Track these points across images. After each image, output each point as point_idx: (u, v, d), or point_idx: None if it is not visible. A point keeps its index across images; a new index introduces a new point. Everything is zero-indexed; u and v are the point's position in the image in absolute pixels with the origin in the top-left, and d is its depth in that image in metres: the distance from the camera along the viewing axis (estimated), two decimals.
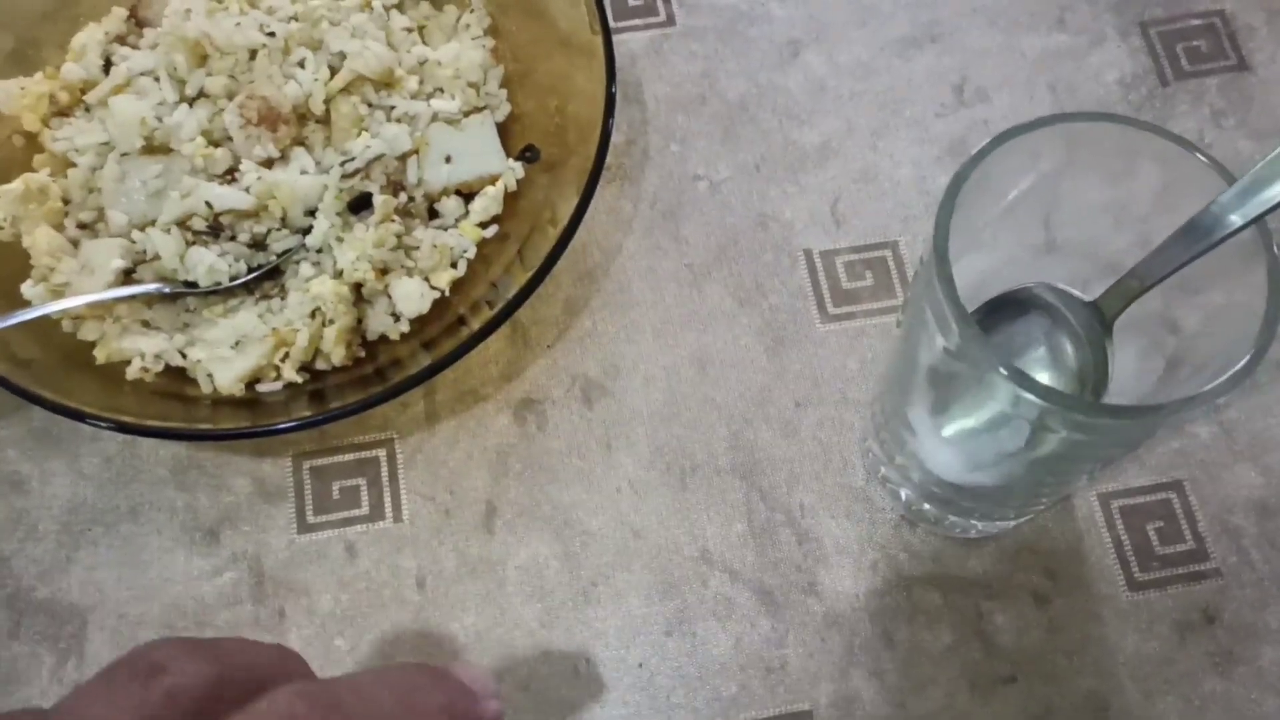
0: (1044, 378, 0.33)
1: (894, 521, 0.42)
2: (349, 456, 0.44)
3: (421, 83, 0.47)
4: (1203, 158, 0.29)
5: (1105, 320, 0.32)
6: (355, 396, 0.41)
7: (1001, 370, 0.27)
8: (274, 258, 0.45)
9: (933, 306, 0.29)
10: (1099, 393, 0.33)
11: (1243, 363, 0.27)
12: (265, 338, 0.43)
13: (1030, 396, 0.27)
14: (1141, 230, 0.31)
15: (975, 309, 0.34)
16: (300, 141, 0.46)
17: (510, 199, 0.46)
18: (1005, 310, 0.35)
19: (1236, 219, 0.28)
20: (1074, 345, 0.34)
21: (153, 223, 0.44)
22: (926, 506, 0.40)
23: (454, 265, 0.45)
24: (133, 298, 0.44)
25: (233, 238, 0.44)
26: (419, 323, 0.44)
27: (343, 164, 0.44)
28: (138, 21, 0.48)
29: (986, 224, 0.33)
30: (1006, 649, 0.40)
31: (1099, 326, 0.33)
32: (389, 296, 0.44)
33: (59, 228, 0.44)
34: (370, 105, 0.46)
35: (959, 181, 0.29)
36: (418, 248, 0.44)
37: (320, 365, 0.44)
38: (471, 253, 0.46)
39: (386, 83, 0.46)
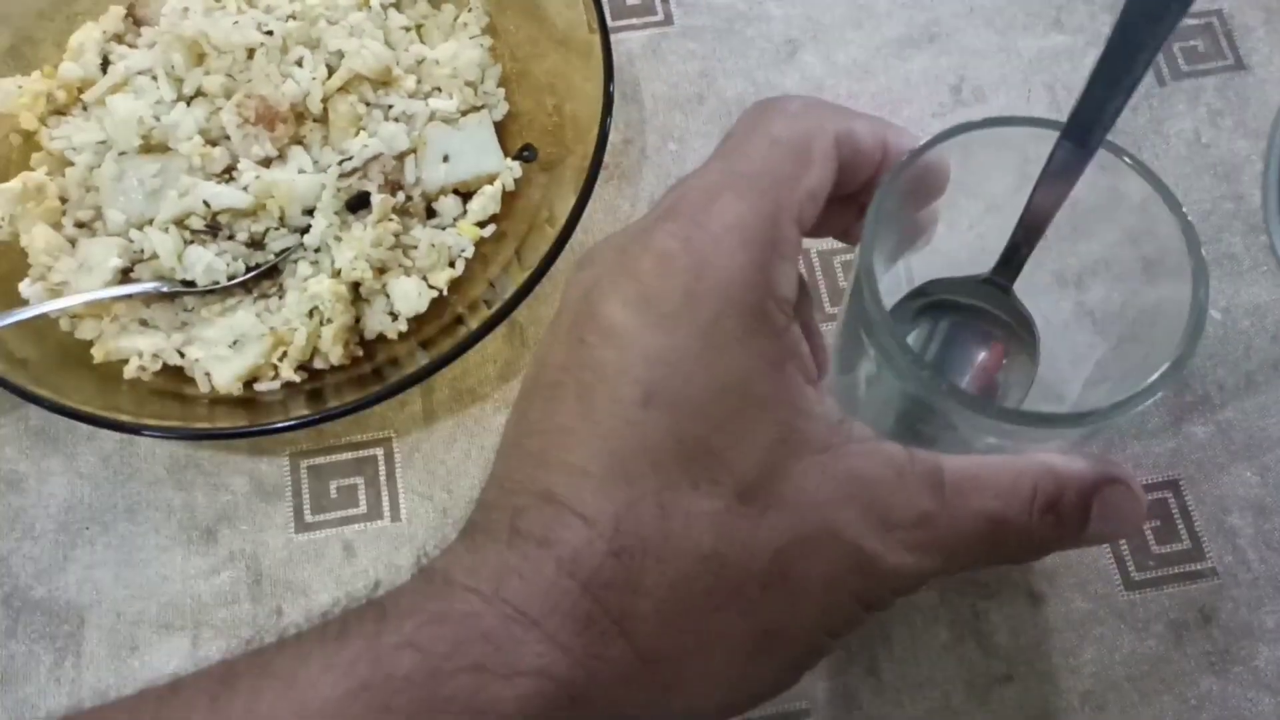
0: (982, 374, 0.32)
1: None
2: (346, 456, 0.44)
3: (419, 82, 0.47)
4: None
5: (1008, 292, 0.32)
6: (353, 396, 0.41)
7: (939, 389, 0.26)
8: (272, 257, 0.45)
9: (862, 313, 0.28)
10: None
11: (1164, 369, 0.26)
12: (263, 337, 0.43)
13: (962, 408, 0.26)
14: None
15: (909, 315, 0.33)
16: (298, 140, 0.46)
17: (508, 198, 0.46)
18: (932, 316, 0.34)
19: (1080, 151, 0.27)
20: (998, 334, 0.33)
21: (150, 222, 0.44)
22: None
23: (452, 264, 0.45)
24: (130, 296, 0.44)
25: (230, 237, 0.44)
26: (417, 322, 0.44)
27: (340, 163, 0.44)
28: (135, 20, 0.48)
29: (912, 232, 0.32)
30: (1003, 648, 0.40)
31: (1007, 300, 0.32)
32: (387, 296, 0.44)
33: (57, 226, 0.44)
34: (368, 104, 0.46)
35: (880, 202, 0.28)
36: (415, 247, 0.44)
37: (318, 364, 0.44)
38: (469, 252, 0.46)
39: (384, 81, 0.46)
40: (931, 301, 0.33)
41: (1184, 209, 0.27)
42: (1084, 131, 0.27)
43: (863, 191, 0.29)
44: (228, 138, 0.45)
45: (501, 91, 0.49)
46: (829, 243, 0.47)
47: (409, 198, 0.45)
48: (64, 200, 0.45)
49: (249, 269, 0.45)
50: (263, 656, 0.24)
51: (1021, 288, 0.31)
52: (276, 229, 0.45)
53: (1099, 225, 0.29)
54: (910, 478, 0.25)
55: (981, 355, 0.32)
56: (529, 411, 0.27)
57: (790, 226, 0.26)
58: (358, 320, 0.44)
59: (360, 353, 0.44)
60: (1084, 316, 0.30)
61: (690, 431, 0.24)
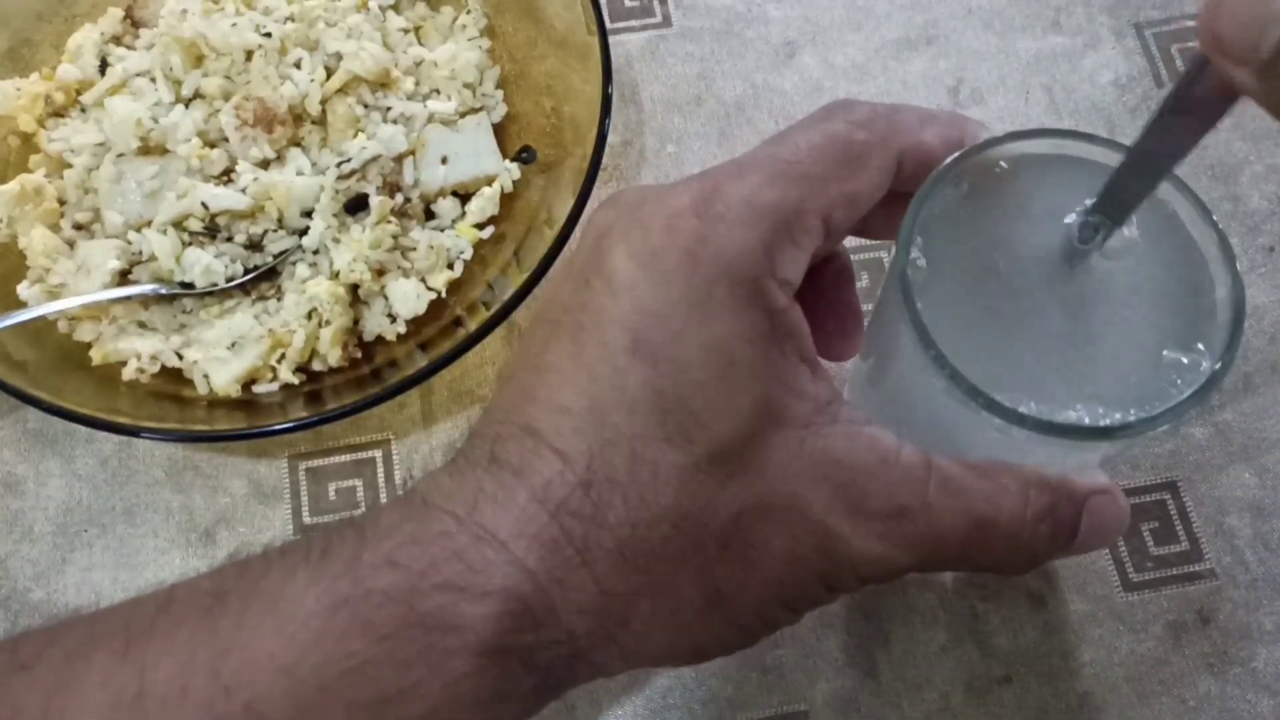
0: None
1: None
2: (345, 458, 0.44)
3: (418, 83, 0.47)
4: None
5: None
6: (351, 398, 0.41)
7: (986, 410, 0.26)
8: (270, 259, 0.45)
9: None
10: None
11: (1203, 380, 0.26)
12: (261, 339, 0.43)
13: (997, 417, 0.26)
14: None
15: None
16: (296, 142, 0.46)
17: (506, 200, 0.46)
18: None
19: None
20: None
21: (149, 223, 0.44)
22: None
23: (450, 266, 0.45)
24: (129, 299, 0.44)
25: (229, 239, 0.44)
26: (415, 324, 0.44)
27: (339, 165, 0.44)
28: (134, 22, 0.48)
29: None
30: (1002, 650, 0.40)
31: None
32: (385, 297, 0.44)
33: (55, 228, 0.44)
34: (366, 106, 0.46)
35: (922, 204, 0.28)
36: (414, 249, 0.44)
37: (316, 366, 0.44)
38: (468, 254, 0.46)
39: (383, 83, 0.46)
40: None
41: (1217, 221, 0.28)
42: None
43: None
44: (226, 139, 0.45)
45: (500, 93, 0.49)
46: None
47: (407, 199, 0.45)
48: (62, 202, 0.45)
49: (247, 271, 0.45)
50: (251, 572, 0.26)
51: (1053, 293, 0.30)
52: (275, 231, 0.45)
53: (1130, 236, 0.29)
54: (894, 469, 0.26)
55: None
56: (530, 345, 0.28)
57: (814, 220, 0.27)
58: (356, 322, 0.44)
59: (359, 355, 0.44)
60: (1117, 329, 0.30)
61: (670, 386, 0.25)
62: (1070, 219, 0.28)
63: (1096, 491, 0.27)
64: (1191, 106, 0.25)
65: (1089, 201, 0.28)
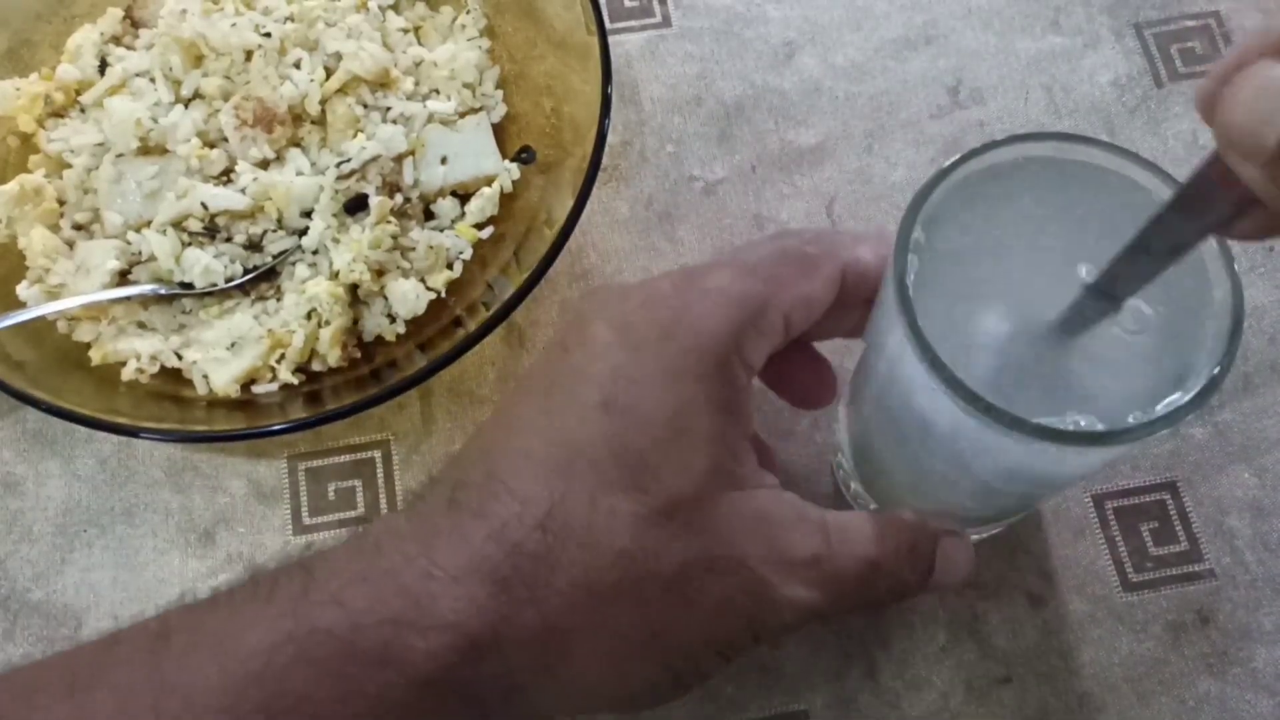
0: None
1: None
2: (344, 458, 0.44)
3: (417, 84, 0.47)
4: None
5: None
6: (351, 398, 0.41)
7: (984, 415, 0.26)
8: (270, 259, 0.45)
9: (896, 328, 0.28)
10: None
11: (1201, 384, 0.26)
12: (261, 339, 0.43)
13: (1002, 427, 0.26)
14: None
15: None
16: (296, 142, 0.46)
17: (506, 200, 0.46)
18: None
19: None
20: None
21: (148, 224, 0.44)
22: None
23: (450, 266, 0.45)
24: (128, 299, 0.44)
25: (228, 239, 0.44)
26: (415, 324, 0.44)
27: (339, 165, 0.44)
28: (133, 22, 0.48)
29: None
30: (1001, 650, 0.40)
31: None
32: (385, 298, 0.44)
33: (54, 229, 0.44)
34: (366, 106, 0.46)
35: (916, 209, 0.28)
36: (414, 249, 0.44)
37: (316, 367, 0.44)
38: (467, 254, 0.46)
39: (382, 83, 0.46)
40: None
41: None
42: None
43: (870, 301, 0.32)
44: (225, 140, 0.45)
45: (500, 93, 0.49)
46: None
47: (407, 199, 0.45)
48: (62, 202, 0.45)
49: (247, 271, 0.44)
50: (195, 613, 0.27)
51: (1050, 298, 0.29)
52: (274, 231, 0.45)
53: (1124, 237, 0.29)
54: (806, 522, 0.29)
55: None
56: (502, 405, 0.31)
57: (776, 315, 0.30)
58: (356, 322, 0.44)
59: (358, 355, 0.44)
60: (1114, 330, 0.30)
61: (634, 442, 0.28)
62: (1071, 299, 0.28)
63: (947, 533, 0.31)
64: (1197, 207, 0.24)
65: (1087, 283, 0.28)
